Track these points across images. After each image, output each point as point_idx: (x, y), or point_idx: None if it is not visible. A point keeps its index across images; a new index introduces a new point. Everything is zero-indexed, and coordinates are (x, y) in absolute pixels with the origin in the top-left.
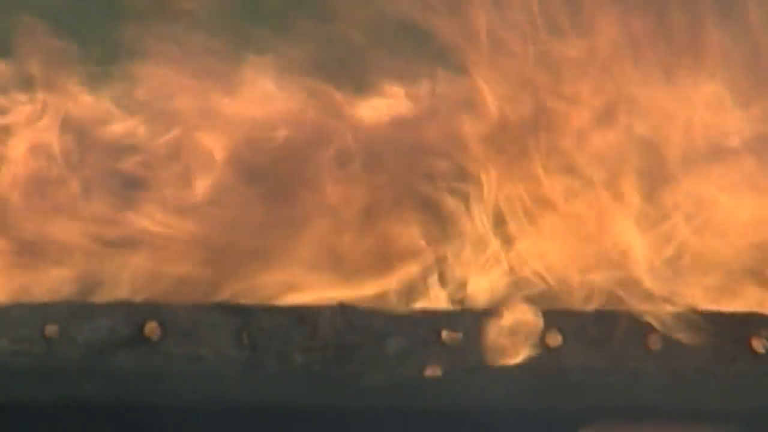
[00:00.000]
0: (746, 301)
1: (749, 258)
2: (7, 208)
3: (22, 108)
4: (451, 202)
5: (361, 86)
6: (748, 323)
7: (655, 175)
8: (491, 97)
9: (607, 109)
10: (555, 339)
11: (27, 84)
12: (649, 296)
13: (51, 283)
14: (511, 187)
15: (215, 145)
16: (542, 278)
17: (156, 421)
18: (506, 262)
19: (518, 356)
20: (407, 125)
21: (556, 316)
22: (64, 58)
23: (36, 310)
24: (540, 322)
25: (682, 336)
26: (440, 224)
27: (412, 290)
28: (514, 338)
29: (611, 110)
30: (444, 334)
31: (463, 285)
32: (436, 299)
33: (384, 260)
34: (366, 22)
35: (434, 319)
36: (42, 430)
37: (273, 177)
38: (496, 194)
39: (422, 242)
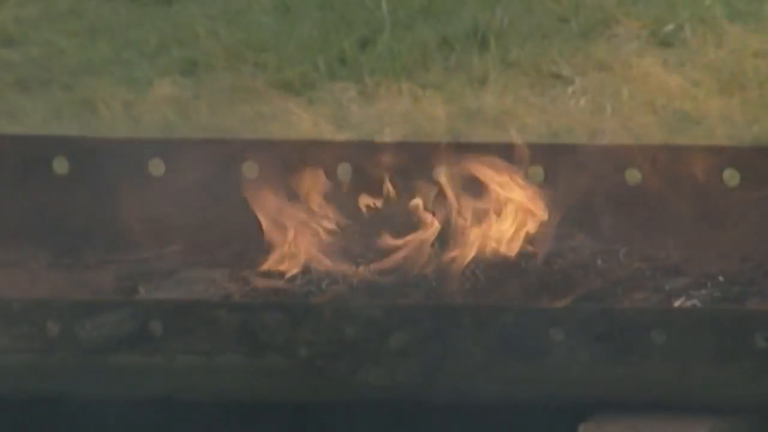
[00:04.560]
0: None
1: None
2: None
3: None
4: None
5: None
6: (751, 319)
7: None
8: None
9: None
10: (558, 334)
11: None
12: None
13: None
14: None
15: None
16: None
17: (159, 417)
18: None
19: (521, 351)
20: None
21: (559, 312)
22: None
23: (37, 306)
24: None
25: (685, 331)
26: None
27: None
28: (517, 333)
29: None
30: (449, 328)
31: None
32: None
33: None
34: None
35: (437, 314)
36: (42, 427)
37: None
38: None
39: None
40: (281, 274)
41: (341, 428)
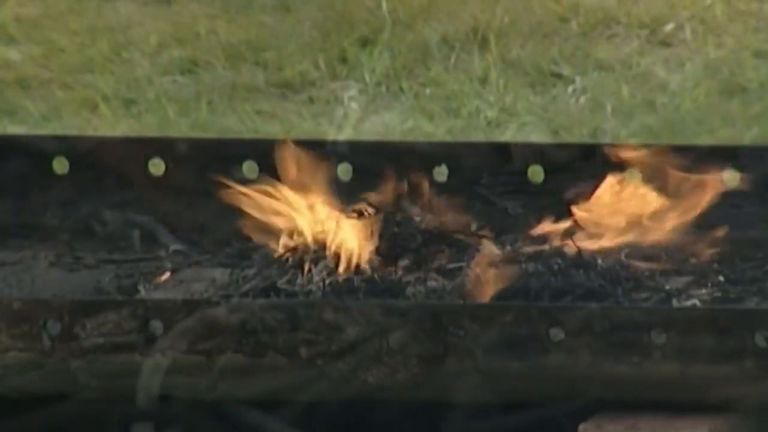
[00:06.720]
0: None
1: None
2: None
3: None
4: None
5: None
6: (751, 319)
7: None
8: None
9: None
10: (558, 334)
11: None
12: None
13: None
14: None
15: None
16: None
17: (159, 417)
18: None
19: (521, 351)
20: None
21: (559, 311)
22: None
23: (37, 306)
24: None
25: (685, 331)
26: None
27: None
28: (517, 333)
29: None
30: (449, 328)
31: None
32: None
33: None
34: None
35: (437, 314)
36: (42, 427)
37: None
38: None
39: None
40: (282, 274)
41: (341, 428)
